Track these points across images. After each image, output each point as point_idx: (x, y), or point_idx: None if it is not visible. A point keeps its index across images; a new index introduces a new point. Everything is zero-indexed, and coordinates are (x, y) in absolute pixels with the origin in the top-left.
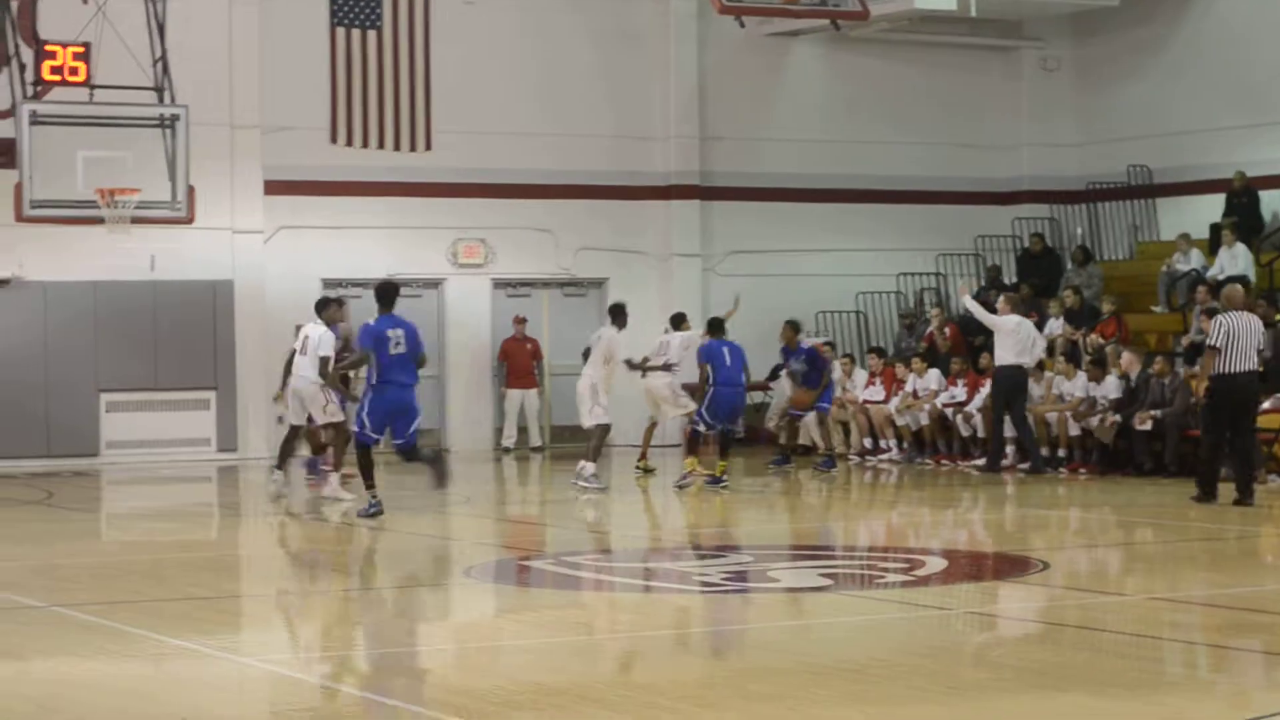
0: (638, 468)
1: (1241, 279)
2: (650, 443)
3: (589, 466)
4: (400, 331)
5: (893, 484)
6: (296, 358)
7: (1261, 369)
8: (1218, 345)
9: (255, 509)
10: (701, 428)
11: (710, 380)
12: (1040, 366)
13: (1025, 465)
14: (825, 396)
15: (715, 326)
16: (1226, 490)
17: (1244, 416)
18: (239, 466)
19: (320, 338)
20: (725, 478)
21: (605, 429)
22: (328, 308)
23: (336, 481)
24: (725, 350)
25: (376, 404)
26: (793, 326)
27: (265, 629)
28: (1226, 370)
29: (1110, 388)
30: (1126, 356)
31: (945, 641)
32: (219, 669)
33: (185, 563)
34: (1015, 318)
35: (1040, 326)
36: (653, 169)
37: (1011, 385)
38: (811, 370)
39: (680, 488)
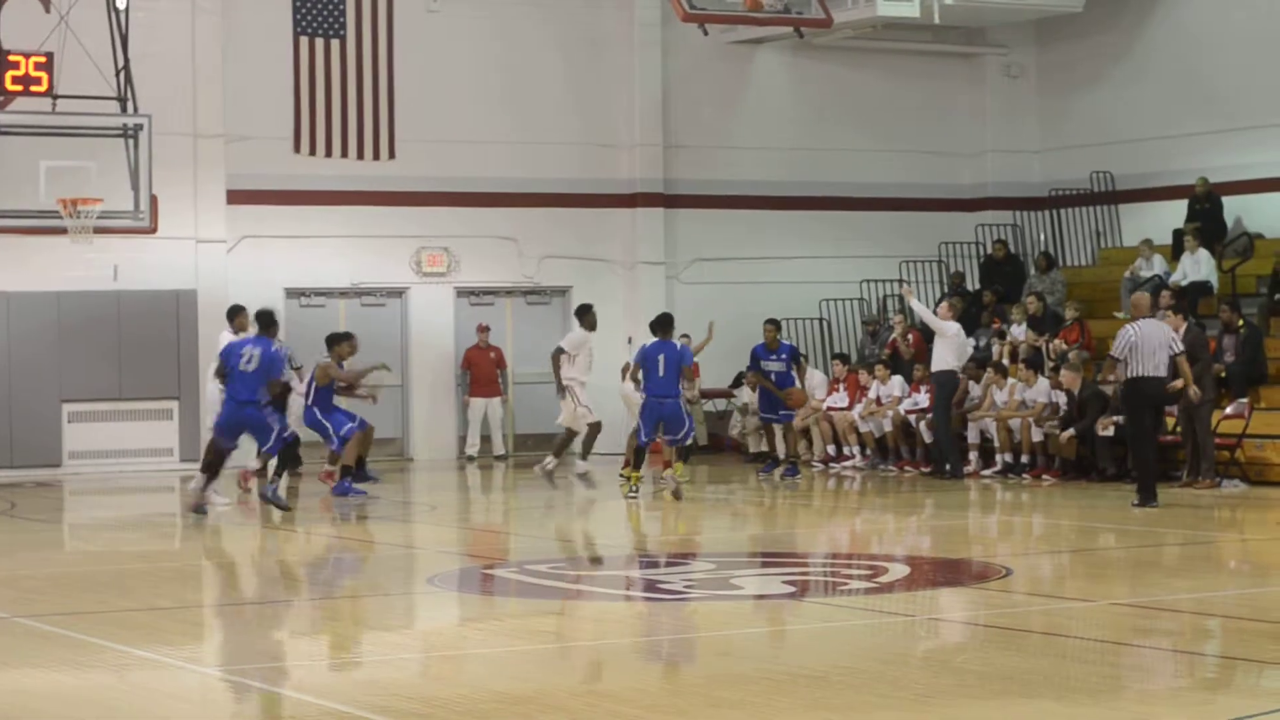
0: (621, 475)
1: (1204, 285)
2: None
3: (581, 464)
4: (256, 351)
5: (856, 491)
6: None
7: (1168, 374)
8: (1118, 356)
9: (218, 519)
10: (642, 438)
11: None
12: (1003, 372)
13: (928, 469)
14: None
15: (662, 325)
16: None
17: (1155, 419)
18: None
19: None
20: (678, 481)
21: (597, 426)
22: (236, 317)
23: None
24: (660, 357)
25: (222, 415)
26: (774, 325)
27: (229, 639)
28: (1136, 374)
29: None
30: (1067, 375)
31: (909, 648)
32: (183, 680)
33: (148, 573)
34: (956, 324)
35: (1002, 333)
36: (617, 177)
37: (952, 389)
38: (788, 370)
39: (629, 499)
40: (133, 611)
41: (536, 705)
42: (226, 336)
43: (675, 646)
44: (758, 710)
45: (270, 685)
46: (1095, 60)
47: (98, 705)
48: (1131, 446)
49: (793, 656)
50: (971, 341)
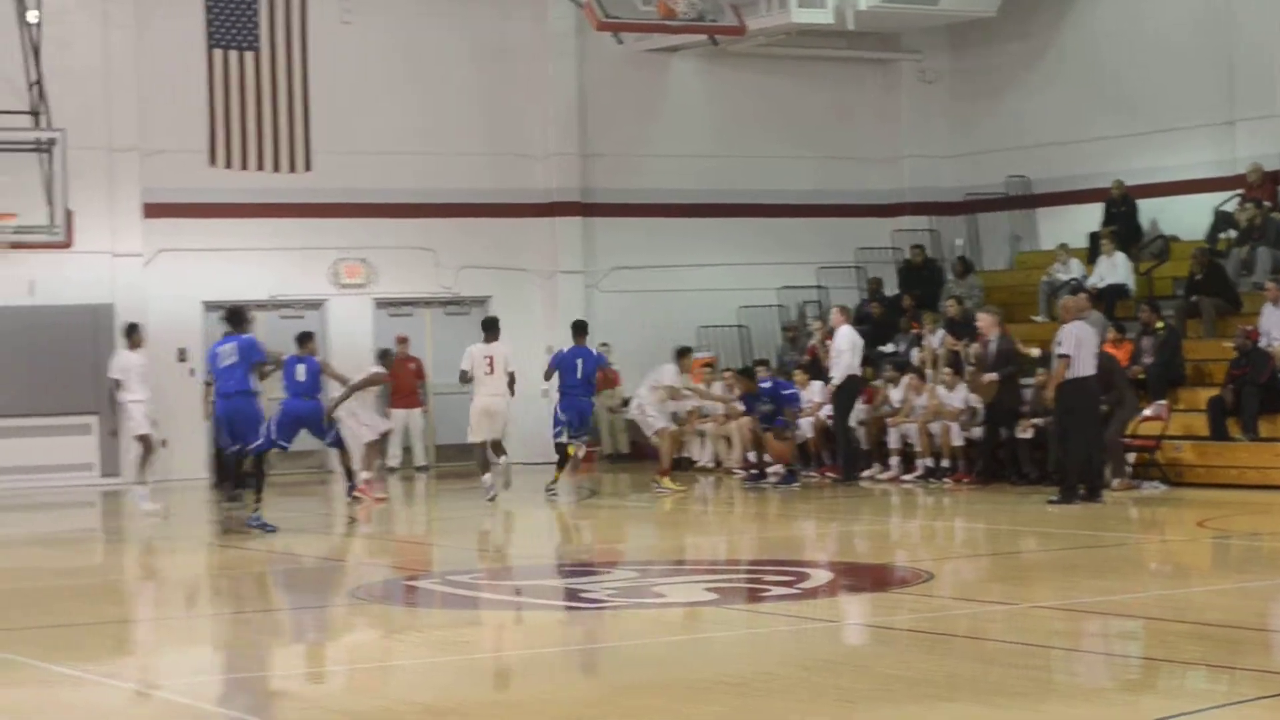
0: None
1: (1121, 288)
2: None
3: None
4: (231, 346)
5: (778, 496)
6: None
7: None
8: (1070, 353)
9: (139, 533)
10: (563, 438)
11: (558, 388)
12: (922, 377)
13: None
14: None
15: (578, 330)
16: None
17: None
18: (122, 491)
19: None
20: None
21: None
22: (133, 334)
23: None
24: (579, 361)
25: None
26: (747, 374)
27: (151, 654)
28: (1078, 374)
29: None
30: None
31: (831, 654)
32: (104, 696)
33: (68, 589)
34: (846, 327)
35: (919, 339)
36: (534, 186)
37: (853, 393)
38: (778, 409)
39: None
40: (53, 628)
41: (458, 716)
42: (125, 354)
43: (598, 655)
44: (677, 718)
45: (192, 700)
46: (1009, 65)
47: None
48: (1074, 445)
49: (714, 664)
50: (860, 341)
